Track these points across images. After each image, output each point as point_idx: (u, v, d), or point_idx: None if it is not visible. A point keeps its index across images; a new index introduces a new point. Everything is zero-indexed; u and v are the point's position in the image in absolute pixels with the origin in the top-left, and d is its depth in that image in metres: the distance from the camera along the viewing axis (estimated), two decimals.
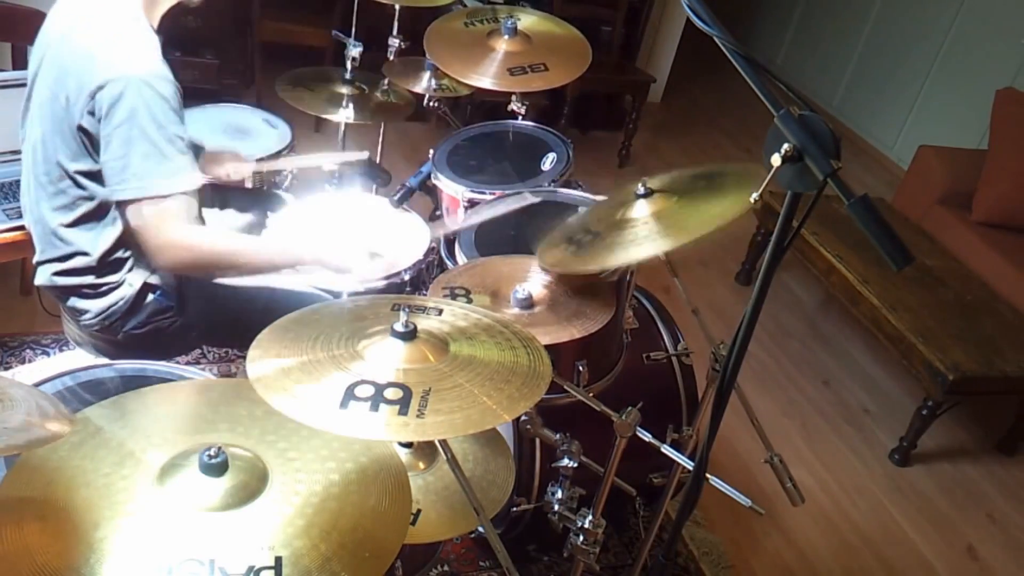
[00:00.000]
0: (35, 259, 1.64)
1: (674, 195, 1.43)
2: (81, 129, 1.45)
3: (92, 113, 1.42)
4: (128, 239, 1.60)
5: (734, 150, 4.91)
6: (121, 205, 1.48)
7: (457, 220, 2.01)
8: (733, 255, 3.56)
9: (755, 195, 1.02)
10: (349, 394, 1.00)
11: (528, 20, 2.14)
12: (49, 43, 1.51)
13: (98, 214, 1.56)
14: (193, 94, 1.50)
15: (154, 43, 1.48)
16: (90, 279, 1.61)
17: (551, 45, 2.11)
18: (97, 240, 1.58)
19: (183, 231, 1.47)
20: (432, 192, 2.19)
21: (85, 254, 1.58)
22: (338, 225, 2.04)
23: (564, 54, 2.09)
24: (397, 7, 2.42)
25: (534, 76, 2.02)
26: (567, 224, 1.59)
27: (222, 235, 1.54)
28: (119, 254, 1.61)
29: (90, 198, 1.54)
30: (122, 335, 1.68)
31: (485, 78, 2.02)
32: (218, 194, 2.00)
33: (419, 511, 1.34)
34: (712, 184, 1.46)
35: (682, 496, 1.28)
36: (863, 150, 5.08)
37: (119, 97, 1.39)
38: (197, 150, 1.78)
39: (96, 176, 1.51)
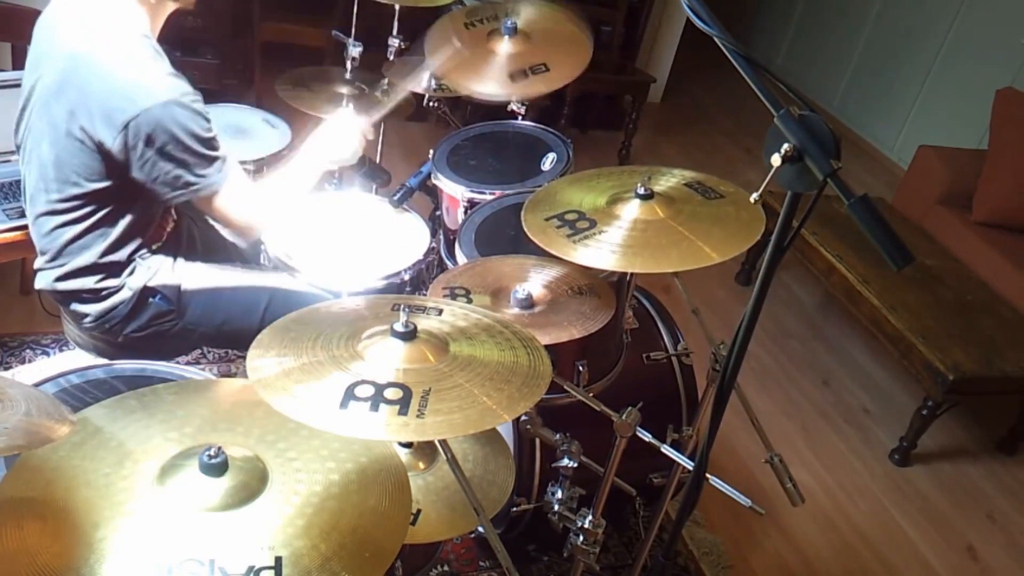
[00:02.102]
0: (36, 265, 1.64)
1: (671, 208, 1.42)
2: (108, 152, 1.46)
3: (126, 142, 1.44)
4: (129, 244, 1.61)
5: (734, 150, 4.91)
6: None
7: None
8: None
9: (755, 195, 1.02)
10: (349, 394, 1.00)
11: (528, 13, 2.13)
12: (54, 59, 1.48)
13: (106, 223, 1.57)
14: None
15: (164, 58, 1.50)
16: (91, 284, 1.62)
17: (551, 41, 2.09)
18: (103, 249, 1.59)
19: (250, 209, 1.63)
20: (432, 192, 2.19)
21: (87, 262, 1.59)
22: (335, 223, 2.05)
23: (564, 50, 2.07)
24: (397, 7, 2.41)
25: (535, 79, 2.00)
26: (558, 191, 1.56)
27: (274, 190, 1.70)
28: (119, 259, 1.62)
29: (100, 211, 1.55)
30: (122, 338, 1.69)
31: (487, 84, 2.01)
32: None
33: (419, 511, 1.34)
34: (710, 202, 1.45)
35: (682, 496, 1.28)
36: (863, 150, 5.08)
37: (155, 124, 1.42)
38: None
39: (112, 192, 1.53)
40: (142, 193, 1.53)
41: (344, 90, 2.47)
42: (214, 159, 1.52)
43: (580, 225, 1.41)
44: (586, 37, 2.09)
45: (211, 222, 1.79)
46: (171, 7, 1.57)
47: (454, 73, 2.06)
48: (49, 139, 1.50)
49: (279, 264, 1.88)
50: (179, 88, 1.46)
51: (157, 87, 1.44)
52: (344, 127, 1.86)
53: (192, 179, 1.51)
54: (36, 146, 1.53)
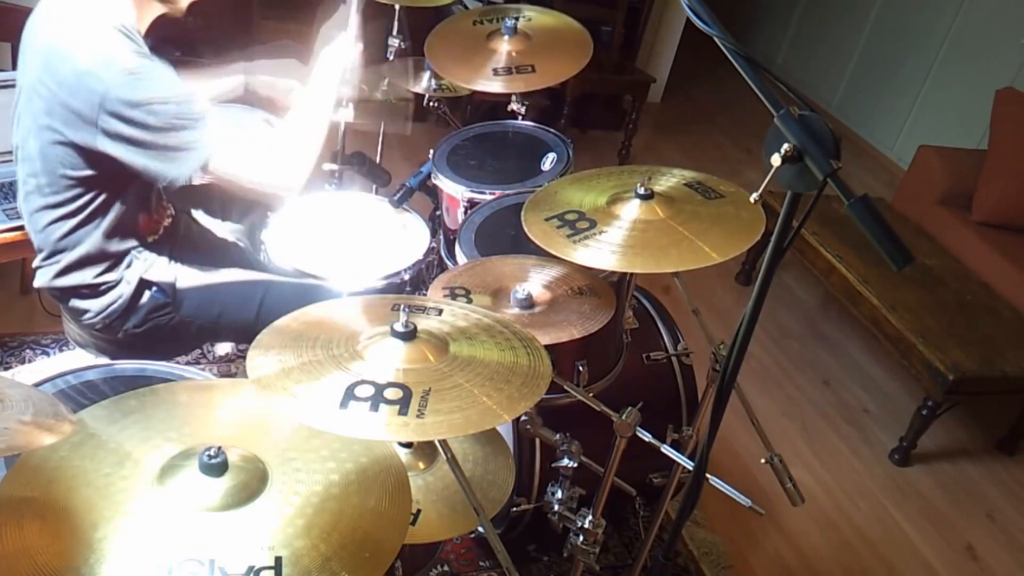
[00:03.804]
0: (34, 263, 1.65)
1: (671, 208, 1.42)
2: (87, 140, 1.45)
3: (105, 127, 1.43)
4: (124, 234, 1.61)
5: (734, 150, 4.91)
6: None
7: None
8: None
9: (755, 195, 1.02)
10: (349, 394, 1.00)
11: (532, 17, 2.13)
12: (34, 54, 1.49)
13: (99, 214, 1.57)
14: None
15: (133, 43, 1.48)
16: (89, 279, 1.62)
17: (549, 46, 2.10)
18: (96, 241, 1.59)
19: (264, 163, 1.56)
20: (432, 192, 2.19)
21: (84, 255, 1.59)
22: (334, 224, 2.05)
23: (558, 56, 2.07)
24: (397, 7, 2.42)
25: (517, 77, 2.00)
26: (558, 191, 1.56)
27: (290, 133, 1.63)
28: (115, 250, 1.62)
29: (92, 201, 1.55)
30: (122, 334, 1.69)
31: (470, 77, 2.01)
32: (217, 203, 2.01)
33: (419, 511, 1.34)
34: (710, 202, 1.45)
35: (682, 496, 1.28)
36: (863, 150, 5.08)
37: (123, 98, 1.41)
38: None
39: (99, 181, 1.53)
40: (131, 180, 1.54)
41: (344, 90, 2.47)
42: (192, 122, 1.47)
43: (580, 225, 1.41)
44: (587, 46, 2.08)
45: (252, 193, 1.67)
46: (158, 9, 1.57)
47: (442, 59, 2.06)
48: (33, 132, 1.51)
49: (279, 264, 1.88)
50: (138, 61, 1.44)
51: (117, 63, 1.42)
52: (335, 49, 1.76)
53: (178, 153, 1.46)
54: (24, 142, 1.54)
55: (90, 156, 1.49)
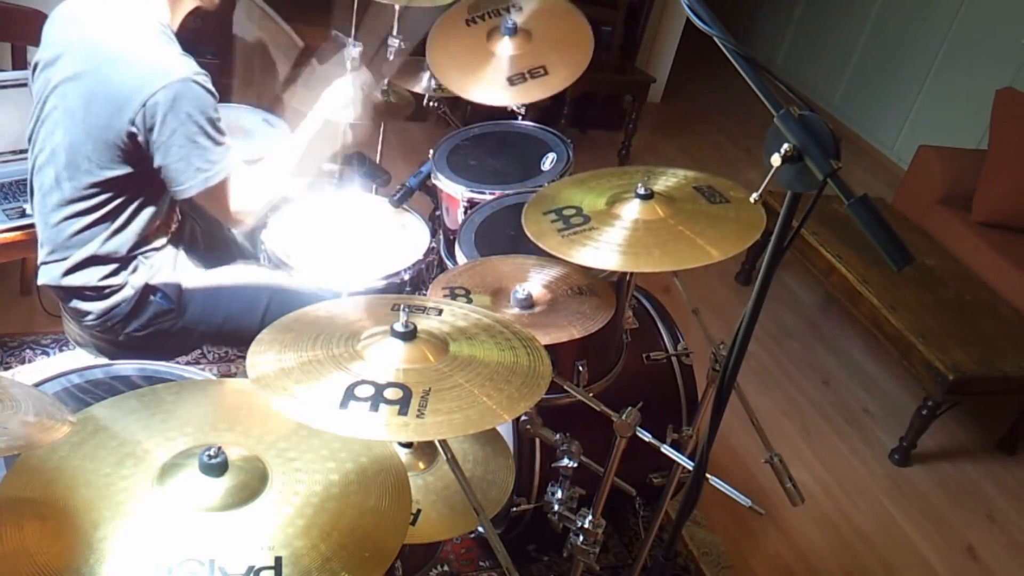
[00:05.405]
0: (41, 259, 1.65)
1: (672, 208, 1.42)
2: (128, 135, 1.48)
3: (144, 121, 1.46)
4: (134, 237, 1.62)
5: (734, 150, 4.91)
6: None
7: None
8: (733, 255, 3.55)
9: (755, 195, 1.02)
10: (349, 394, 1.00)
11: (530, 6, 2.12)
12: (71, 50, 1.51)
13: (113, 216, 1.59)
14: None
15: (175, 42, 1.54)
16: (94, 280, 1.62)
17: (552, 40, 2.09)
18: (108, 242, 1.60)
19: (247, 198, 1.63)
20: (432, 192, 2.19)
21: (93, 255, 1.60)
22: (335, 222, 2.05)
23: (564, 51, 2.07)
24: (397, 7, 2.42)
25: (533, 83, 2.00)
26: (559, 188, 1.57)
27: (267, 179, 1.71)
28: (123, 253, 1.62)
29: (110, 202, 1.57)
30: (123, 336, 1.69)
31: (486, 91, 2.01)
32: None
33: (419, 511, 1.34)
34: (712, 203, 1.45)
35: (682, 496, 1.28)
36: (863, 150, 5.08)
37: (172, 102, 1.45)
38: None
39: (124, 181, 1.54)
40: (152, 184, 1.54)
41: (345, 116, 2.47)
42: (222, 143, 1.54)
43: (572, 219, 1.42)
44: (587, 32, 2.08)
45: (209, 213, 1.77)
46: (190, 4, 1.60)
47: (450, 72, 2.05)
48: (63, 127, 1.52)
49: (279, 264, 1.88)
50: (191, 67, 1.49)
51: (171, 67, 1.47)
52: (342, 92, 1.87)
53: (203, 164, 1.51)
54: (49, 136, 1.55)
55: (124, 153, 1.50)
